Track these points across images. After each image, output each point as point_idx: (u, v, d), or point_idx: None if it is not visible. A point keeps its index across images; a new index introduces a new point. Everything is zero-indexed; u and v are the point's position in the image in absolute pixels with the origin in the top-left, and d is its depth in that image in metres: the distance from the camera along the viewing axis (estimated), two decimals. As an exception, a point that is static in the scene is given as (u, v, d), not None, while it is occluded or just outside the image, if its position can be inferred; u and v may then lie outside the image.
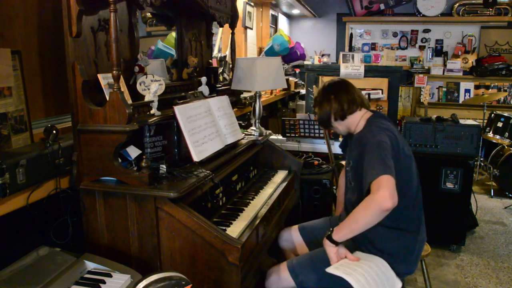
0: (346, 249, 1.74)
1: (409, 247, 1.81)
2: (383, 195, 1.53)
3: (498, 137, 4.60)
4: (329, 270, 1.70)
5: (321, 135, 3.16)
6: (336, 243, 1.69)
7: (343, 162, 2.84)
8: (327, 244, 1.72)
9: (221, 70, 3.23)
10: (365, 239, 1.79)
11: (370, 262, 1.74)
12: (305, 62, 5.50)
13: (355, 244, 1.84)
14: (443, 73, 6.08)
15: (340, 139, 3.26)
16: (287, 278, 1.82)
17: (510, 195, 4.50)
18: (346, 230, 1.66)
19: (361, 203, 1.61)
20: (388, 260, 1.77)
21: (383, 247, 1.78)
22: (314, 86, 3.27)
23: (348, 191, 2.00)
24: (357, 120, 1.91)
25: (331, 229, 1.72)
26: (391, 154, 1.67)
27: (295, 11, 6.67)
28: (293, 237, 2.15)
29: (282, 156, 2.58)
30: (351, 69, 3.81)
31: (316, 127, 3.21)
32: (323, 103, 1.95)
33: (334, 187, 2.97)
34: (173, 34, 2.25)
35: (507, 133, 4.51)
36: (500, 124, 4.61)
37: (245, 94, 3.22)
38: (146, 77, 1.72)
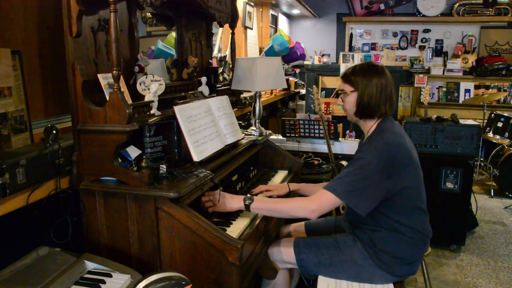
0: None
1: (414, 251, 1.79)
2: (318, 207, 1.66)
3: (498, 137, 4.60)
4: None
5: (321, 135, 3.16)
6: (248, 208, 1.74)
7: (343, 162, 2.84)
8: (238, 201, 1.74)
9: (221, 70, 3.23)
10: (369, 240, 1.79)
11: None
12: (305, 62, 5.49)
13: (360, 243, 1.81)
14: (443, 73, 6.08)
15: (341, 139, 3.26)
16: (290, 252, 1.87)
17: (510, 195, 4.50)
18: (265, 206, 1.75)
19: (300, 200, 1.79)
20: (392, 262, 1.75)
21: (387, 249, 1.76)
22: (314, 86, 3.27)
23: None
24: (372, 123, 1.81)
25: (249, 195, 1.75)
26: (374, 184, 1.63)
27: (295, 11, 6.67)
28: (299, 233, 2.15)
29: (282, 156, 2.58)
30: (351, 69, 3.80)
31: (316, 127, 3.19)
32: (364, 79, 1.73)
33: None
34: (173, 34, 2.25)
35: (507, 133, 4.51)
36: (500, 124, 4.61)
37: (245, 94, 3.22)
38: (146, 77, 1.72)
